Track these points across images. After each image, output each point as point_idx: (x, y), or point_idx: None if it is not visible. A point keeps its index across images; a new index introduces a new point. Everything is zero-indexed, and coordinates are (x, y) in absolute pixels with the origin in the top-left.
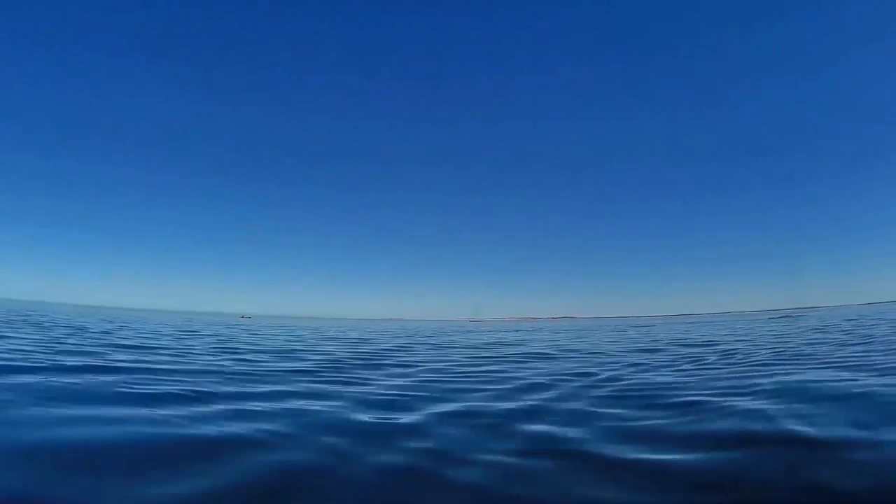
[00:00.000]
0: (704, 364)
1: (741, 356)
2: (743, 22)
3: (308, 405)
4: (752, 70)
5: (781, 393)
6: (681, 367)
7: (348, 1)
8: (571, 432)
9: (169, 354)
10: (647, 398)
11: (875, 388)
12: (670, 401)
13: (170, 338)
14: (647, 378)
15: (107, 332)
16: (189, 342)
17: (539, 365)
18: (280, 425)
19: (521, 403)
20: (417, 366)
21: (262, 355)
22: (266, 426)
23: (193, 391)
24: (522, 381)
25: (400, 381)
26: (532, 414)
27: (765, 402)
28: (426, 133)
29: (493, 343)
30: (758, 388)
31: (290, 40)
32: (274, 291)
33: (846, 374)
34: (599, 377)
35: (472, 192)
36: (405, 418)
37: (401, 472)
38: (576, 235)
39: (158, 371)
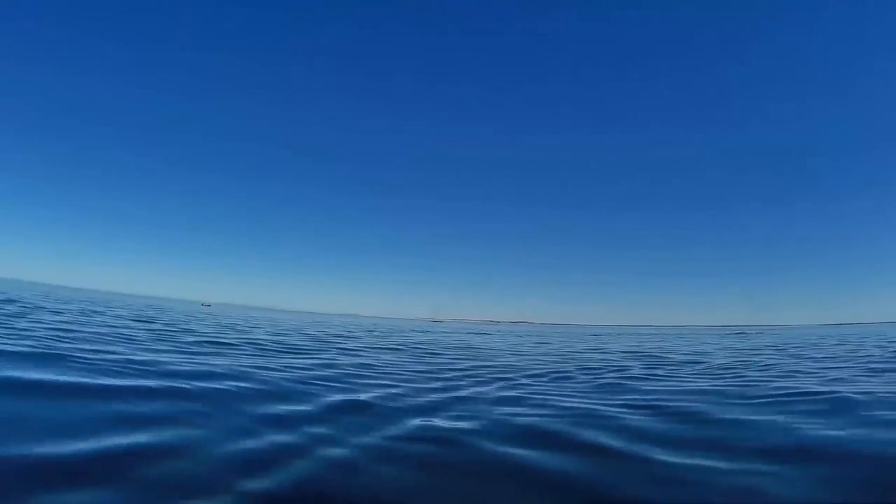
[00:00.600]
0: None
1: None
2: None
3: None
4: (731, 87)
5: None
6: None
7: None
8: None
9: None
10: None
11: None
12: None
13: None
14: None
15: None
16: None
17: None
18: None
19: None
20: None
21: None
22: None
23: None
24: None
25: None
26: None
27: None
28: (401, 133)
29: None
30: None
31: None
32: (243, 282)
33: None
34: None
35: (443, 194)
36: None
37: None
38: (539, 244)
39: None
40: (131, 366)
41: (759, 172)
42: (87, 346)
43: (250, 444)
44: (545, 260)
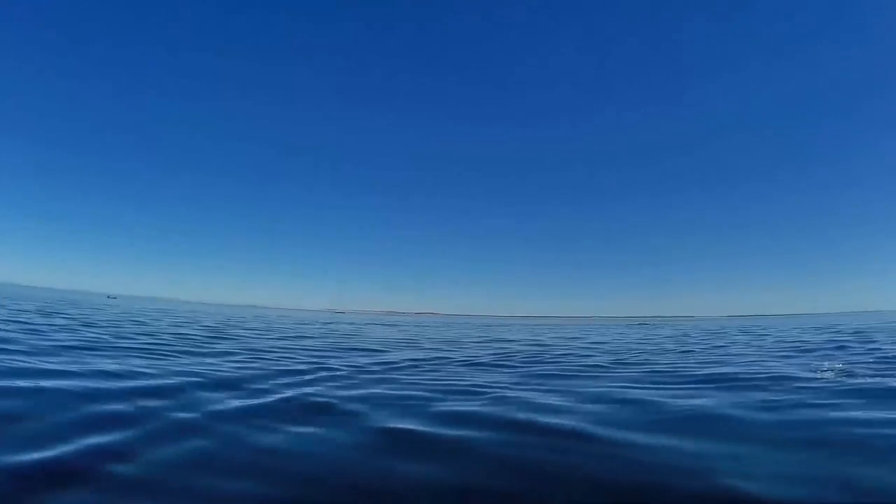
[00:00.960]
0: None
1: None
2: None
3: None
4: (644, 73)
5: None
6: None
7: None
8: None
9: None
10: None
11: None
12: None
13: None
14: None
15: None
16: None
17: None
18: None
19: None
20: None
21: None
22: None
23: None
24: None
25: None
26: None
27: None
28: (304, 125)
29: None
30: None
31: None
32: (151, 273)
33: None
34: None
35: (343, 186)
36: None
37: None
38: (443, 235)
39: None
40: None
41: (663, 162)
42: None
43: None
44: (451, 251)
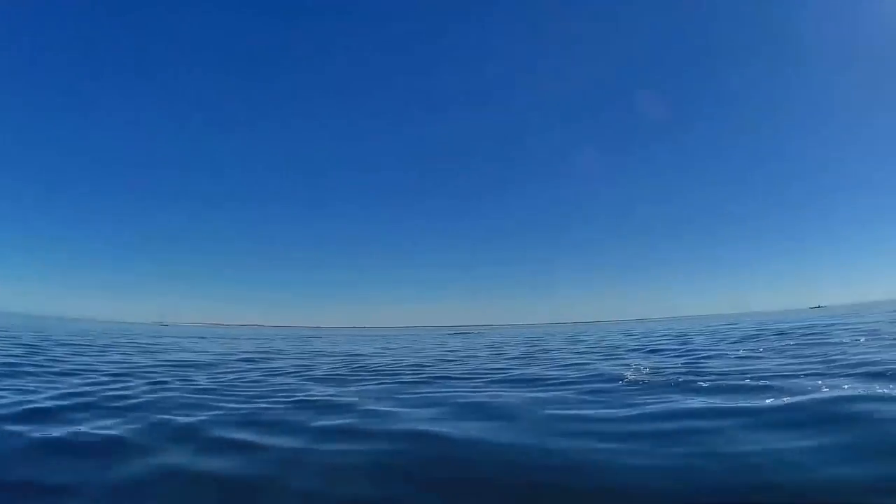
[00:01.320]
0: None
1: None
2: None
3: None
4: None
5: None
6: None
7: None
8: None
9: None
10: None
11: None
12: None
13: None
14: None
15: None
16: None
17: None
18: None
19: None
20: None
21: None
22: None
23: None
24: None
25: None
26: None
27: None
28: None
29: None
30: None
31: None
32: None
33: None
34: None
35: (169, 195)
36: None
37: None
38: (269, 243)
39: None
40: None
41: (467, 165)
42: None
43: None
44: (275, 261)
